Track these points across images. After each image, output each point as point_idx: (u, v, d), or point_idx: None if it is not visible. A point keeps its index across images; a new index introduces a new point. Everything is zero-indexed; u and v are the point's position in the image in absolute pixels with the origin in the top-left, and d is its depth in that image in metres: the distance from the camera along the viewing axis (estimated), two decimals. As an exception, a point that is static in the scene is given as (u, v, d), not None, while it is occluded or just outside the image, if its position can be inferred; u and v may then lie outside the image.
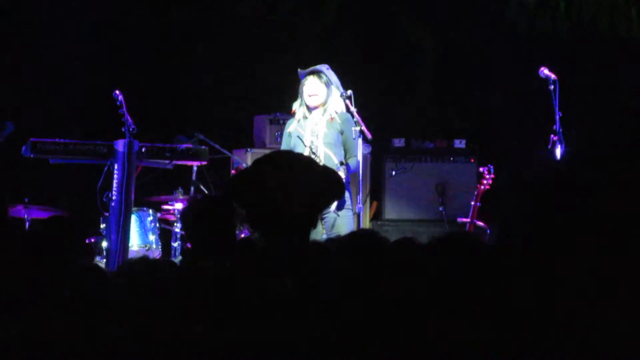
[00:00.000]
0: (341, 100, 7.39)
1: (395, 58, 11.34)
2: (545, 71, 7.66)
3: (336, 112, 7.37)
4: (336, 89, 7.40)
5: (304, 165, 3.00)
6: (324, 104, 7.38)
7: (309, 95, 7.39)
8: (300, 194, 2.94)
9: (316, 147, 7.30)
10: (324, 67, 7.46)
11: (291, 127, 7.47)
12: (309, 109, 7.42)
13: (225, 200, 3.58)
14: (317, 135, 7.32)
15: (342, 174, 7.05)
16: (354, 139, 7.31)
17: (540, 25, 10.58)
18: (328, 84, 7.39)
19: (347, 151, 7.39)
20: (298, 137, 7.36)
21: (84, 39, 10.57)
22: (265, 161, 3.04)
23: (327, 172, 3.17)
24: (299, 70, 7.50)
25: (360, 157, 7.27)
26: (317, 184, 2.99)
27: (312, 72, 7.43)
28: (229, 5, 11.10)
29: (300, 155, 3.08)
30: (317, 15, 11.27)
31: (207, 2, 11.11)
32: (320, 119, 7.35)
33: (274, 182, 2.94)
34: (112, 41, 10.59)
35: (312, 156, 7.18)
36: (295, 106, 7.50)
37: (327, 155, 7.25)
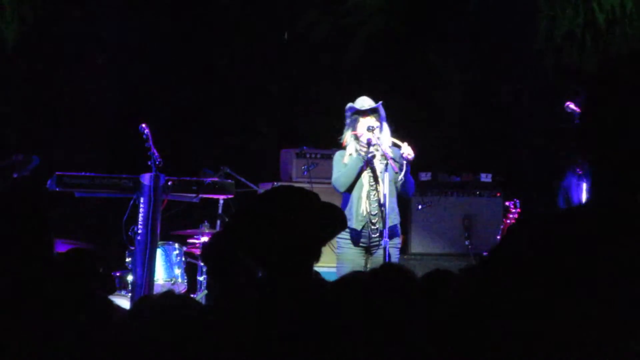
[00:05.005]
0: (389, 134, 7.43)
1: (422, 92, 11.34)
2: (571, 106, 7.64)
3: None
4: (387, 126, 7.44)
5: (305, 200, 3.01)
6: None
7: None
8: (302, 229, 2.94)
9: (375, 187, 7.36)
10: (380, 105, 7.45)
11: (346, 159, 7.48)
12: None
13: (229, 237, 3.59)
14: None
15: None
16: (406, 170, 7.37)
17: (567, 59, 10.56)
18: (381, 122, 7.41)
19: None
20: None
21: (109, 72, 10.65)
22: (266, 197, 3.05)
23: (329, 207, 3.18)
24: (350, 105, 7.48)
25: (387, 191, 7.25)
26: (319, 218, 3.00)
27: (372, 111, 7.42)
28: (254, 39, 11.16)
29: (301, 189, 3.08)
30: (344, 49, 11.31)
31: (233, 36, 11.17)
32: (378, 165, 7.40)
33: (276, 217, 2.95)
34: (138, 74, 10.65)
35: (372, 193, 7.25)
36: (346, 137, 7.50)
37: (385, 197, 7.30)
